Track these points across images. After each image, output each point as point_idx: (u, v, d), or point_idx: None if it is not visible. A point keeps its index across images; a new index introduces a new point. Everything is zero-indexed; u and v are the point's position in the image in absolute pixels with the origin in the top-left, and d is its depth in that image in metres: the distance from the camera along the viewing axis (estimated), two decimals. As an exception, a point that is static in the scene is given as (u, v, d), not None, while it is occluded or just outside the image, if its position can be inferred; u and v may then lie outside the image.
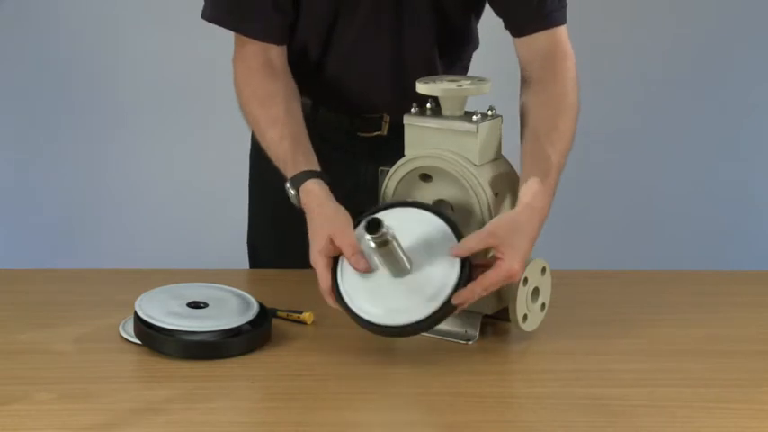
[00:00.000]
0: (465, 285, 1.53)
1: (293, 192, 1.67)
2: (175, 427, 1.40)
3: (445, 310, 1.54)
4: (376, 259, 1.56)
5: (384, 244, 1.52)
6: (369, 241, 1.52)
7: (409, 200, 1.66)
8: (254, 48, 1.80)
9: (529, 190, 1.61)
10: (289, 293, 1.78)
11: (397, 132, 1.71)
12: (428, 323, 1.54)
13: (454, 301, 1.53)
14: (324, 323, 1.68)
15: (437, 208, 1.62)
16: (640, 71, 3.34)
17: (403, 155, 1.67)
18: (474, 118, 1.64)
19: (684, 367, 1.58)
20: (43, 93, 3.33)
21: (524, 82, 1.76)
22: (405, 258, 1.55)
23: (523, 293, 1.61)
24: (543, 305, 1.67)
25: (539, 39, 1.75)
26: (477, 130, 1.62)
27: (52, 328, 1.68)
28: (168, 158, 3.38)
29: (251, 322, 1.63)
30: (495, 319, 1.67)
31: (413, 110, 1.68)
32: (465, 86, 1.65)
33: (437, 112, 1.67)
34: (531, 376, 1.58)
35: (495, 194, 1.64)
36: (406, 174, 1.67)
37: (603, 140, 3.28)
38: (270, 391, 1.52)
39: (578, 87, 1.73)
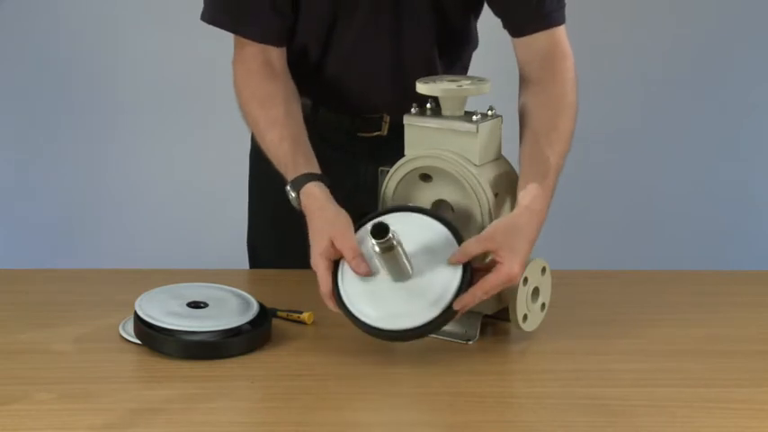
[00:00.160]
0: (466, 290, 1.54)
1: (294, 194, 1.67)
2: (175, 427, 1.40)
3: (447, 315, 1.54)
4: (377, 263, 1.56)
5: (389, 249, 1.52)
6: (374, 246, 1.52)
7: (410, 204, 1.66)
8: (254, 49, 1.80)
9: (527, 193, 1.61)
10: (289, 293, 1.78)
11: (397, 132, 1.71)
12: (430, 328, 1.54)
13: (455, 305, 1.53)
14: (324, 323, 1.68)
15: (438, 213, 1.62)
16: (640, 71, 3.34)
17: (403, 155, 1.67)
18: (474, 118, 1.64)
19: (684, 367, 1.58)
20: (43, 93, 3.33)
21: (523, 82, 1.76)
22: (408, 263, 1.55)
23: (523, 293, 1.61)
24: (543, 305, 1.67)
25: (538, 39, 1.75)
26: (478, 130, 1.62)
27: (52, 328, 1.68)
28: (168, 158, 3.38)
29: (251, 322, 1.63)
30: (495, 319, 1.67)
31: (413, 110, 1.68)
32: (465, 86, 1.65)
33: (437, 112, 1.67)
34: (531, 376, 1.58)
35: (496, 195, 1.64)
36: (406, 174, 1.67)
37: (603, 140, 3.27)
38: (270, 391, 1.52)
39: (577, 87, 1.73)
